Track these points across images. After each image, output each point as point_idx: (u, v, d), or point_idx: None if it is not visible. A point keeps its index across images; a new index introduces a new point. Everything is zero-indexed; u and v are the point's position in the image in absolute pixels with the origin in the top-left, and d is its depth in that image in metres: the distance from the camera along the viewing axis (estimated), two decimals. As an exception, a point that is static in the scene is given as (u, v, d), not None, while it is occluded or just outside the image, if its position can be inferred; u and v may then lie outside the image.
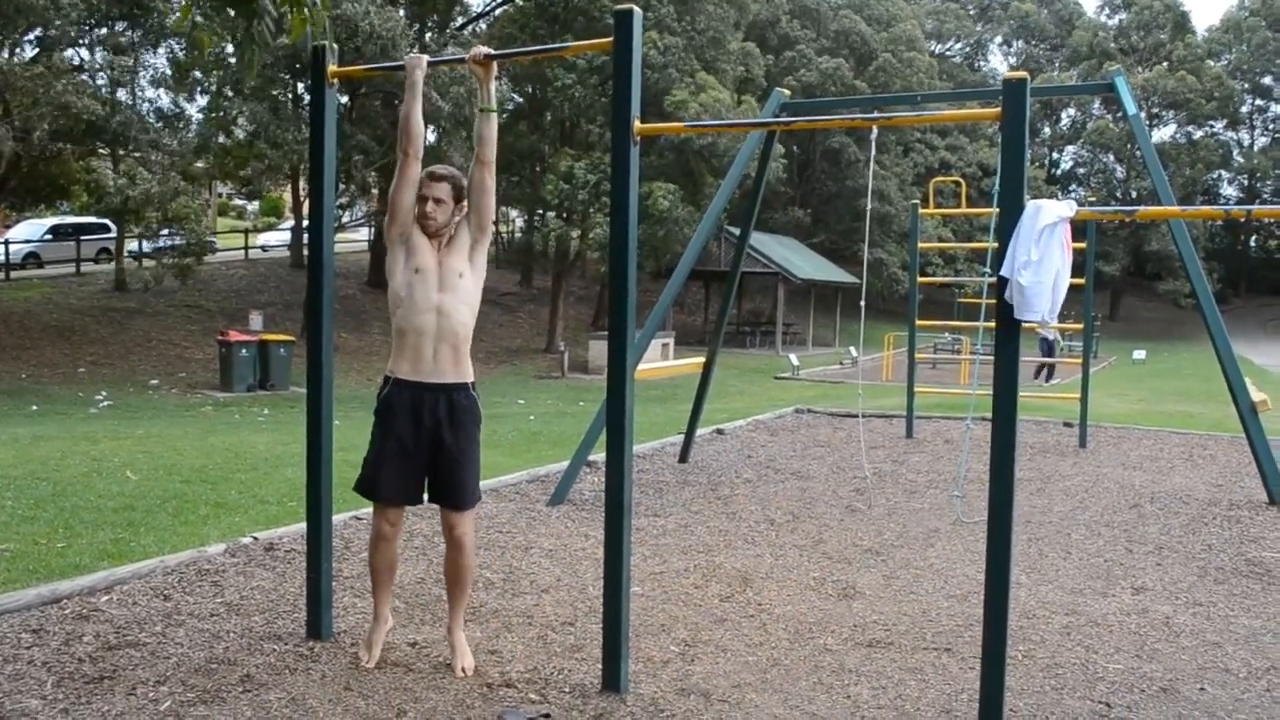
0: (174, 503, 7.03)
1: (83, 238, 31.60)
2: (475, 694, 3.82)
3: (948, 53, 61.68)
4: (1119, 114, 38.40)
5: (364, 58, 20.74)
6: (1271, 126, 60.41)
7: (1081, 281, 9.61)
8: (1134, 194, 50.83)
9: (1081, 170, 58.79)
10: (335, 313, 4.51)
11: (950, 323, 17.24)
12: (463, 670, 3.98)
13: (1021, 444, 9.84)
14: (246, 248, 35.37)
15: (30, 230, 33.00)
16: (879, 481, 8.45)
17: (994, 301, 3.66)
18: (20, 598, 4.59)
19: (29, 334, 22.71)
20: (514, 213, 38.55)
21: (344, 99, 25.08)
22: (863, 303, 8.18)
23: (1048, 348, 21.51)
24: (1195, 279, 7.91)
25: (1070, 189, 56.50)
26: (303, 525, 4.84)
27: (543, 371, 26.23)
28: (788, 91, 8.68)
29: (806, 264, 37.67)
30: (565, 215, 27.71)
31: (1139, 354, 33.53)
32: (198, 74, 24.72)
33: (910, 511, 7.37)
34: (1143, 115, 22.95)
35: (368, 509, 6.54)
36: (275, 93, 24.57)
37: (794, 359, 28.03)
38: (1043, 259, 3.45)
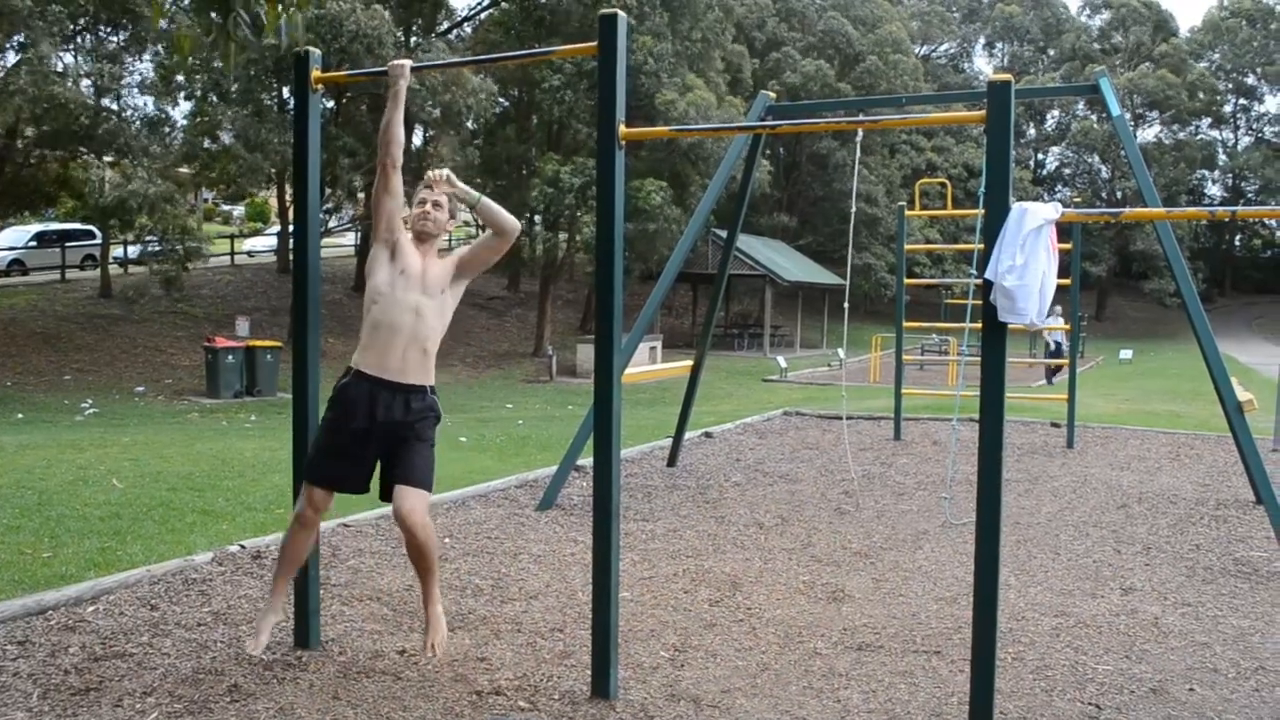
0: (160, 511, 6.98)
1: (68, 244, 31.44)
2: (465, 702, 3.80)
3: (933, 55, 61.90)
4: (1104, 115, 38.61)
5: (349, 57, 20.64)
6: (1255, 126, 60.83)
7: (1068, 282, 9.63)
8: (1119, 194, 51.07)
9: (1067, 171, 59.05)
10: (321, 318, 4.49)
11: (937, 324, 17.24)
12: (431, 647, 3.88)
13: (1009, 445, 9.87)
14: (233, 253, 35.22)
15: (15, 237, 32.79)
16: (867, 484, 8.46)
17: (980, 303, 3.67)
18: (5, 609, 4.56)
19: (14, 341, 22.55)
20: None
21: (329, 103, 25.01)
22: (846, 305, 8.17)
23: (1056, 349, 21.47)
24: (1180, 278, 7.93)
25: (1056, 190, 56.75)
26: (290, 533, 4.80)
27: (531, 375, 26.18)
28: (773, 95, 8.67)
29: (794, 266, 37.74)
30: (552, 222, 27.64)
31: (1125, 354, 33.63)
32: (180, 79, 24.57)
33: (899, 513, 7.38)
34: (1127, 116, 23.00)
35: (356, 515, 6.54)
36: (260, 95, 24.45)
37: (782, 361, 28.01)
38: (1028, 262, 3.46)
